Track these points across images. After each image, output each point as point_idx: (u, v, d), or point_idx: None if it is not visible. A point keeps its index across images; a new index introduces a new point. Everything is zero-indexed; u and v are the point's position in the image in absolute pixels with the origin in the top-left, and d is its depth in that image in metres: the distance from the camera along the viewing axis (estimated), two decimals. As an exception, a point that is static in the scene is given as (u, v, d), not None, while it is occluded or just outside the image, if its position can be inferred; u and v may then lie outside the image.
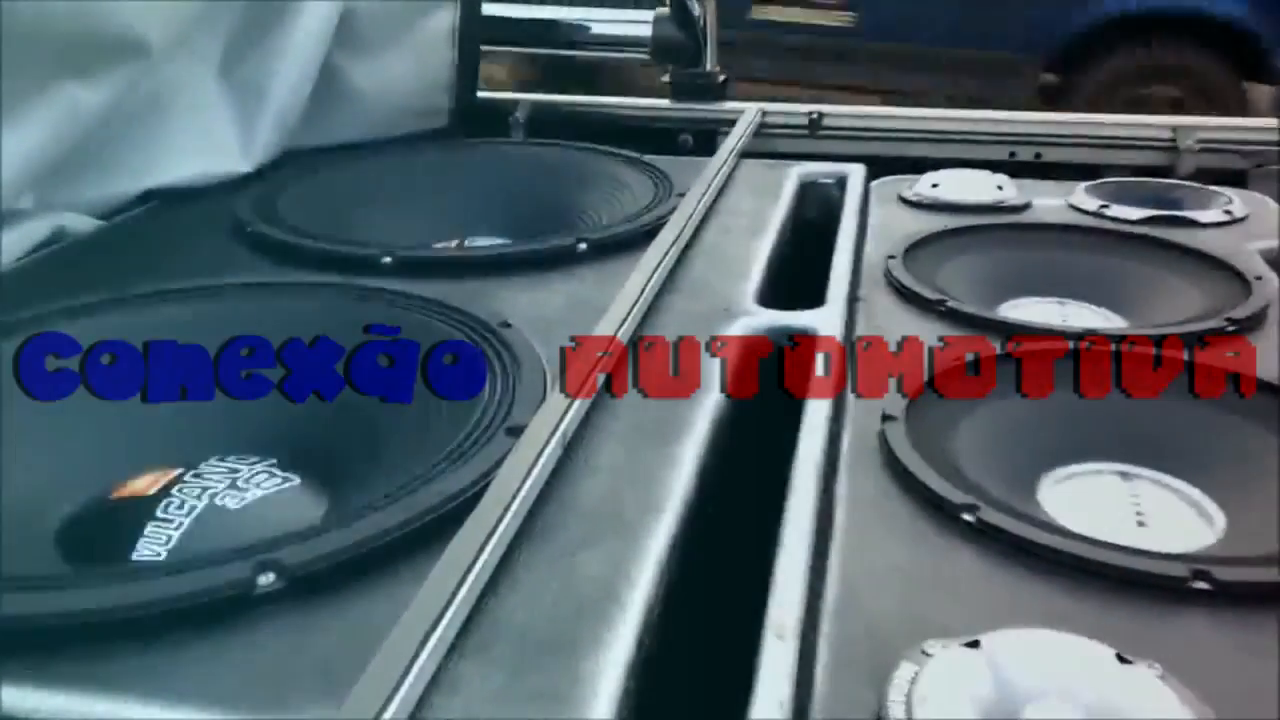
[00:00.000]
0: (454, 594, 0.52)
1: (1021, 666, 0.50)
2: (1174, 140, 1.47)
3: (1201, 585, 0.57)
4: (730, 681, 0.52)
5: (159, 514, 0.70)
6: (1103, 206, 1.16)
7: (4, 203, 0.99)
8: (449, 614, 0.51)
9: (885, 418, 0.72)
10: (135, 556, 0.67)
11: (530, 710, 0.48)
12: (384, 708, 0.46)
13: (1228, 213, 1.16)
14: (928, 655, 0.51)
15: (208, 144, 1.21)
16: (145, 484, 0.74)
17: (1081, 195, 1.20)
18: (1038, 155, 1.50)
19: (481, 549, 0.55)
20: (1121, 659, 0.50)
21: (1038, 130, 1.52)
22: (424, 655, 0.49)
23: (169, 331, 0.84)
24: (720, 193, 1.21)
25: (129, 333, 0.83)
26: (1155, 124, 1.50)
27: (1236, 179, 1.40)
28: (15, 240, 1.02)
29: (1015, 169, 1.29)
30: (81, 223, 1.10)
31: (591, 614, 0.54)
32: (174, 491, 0.72)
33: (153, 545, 0.68)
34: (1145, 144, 1.49)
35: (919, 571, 0.59)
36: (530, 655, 0.51)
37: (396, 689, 0.47)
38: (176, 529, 0.69)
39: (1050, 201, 1.19)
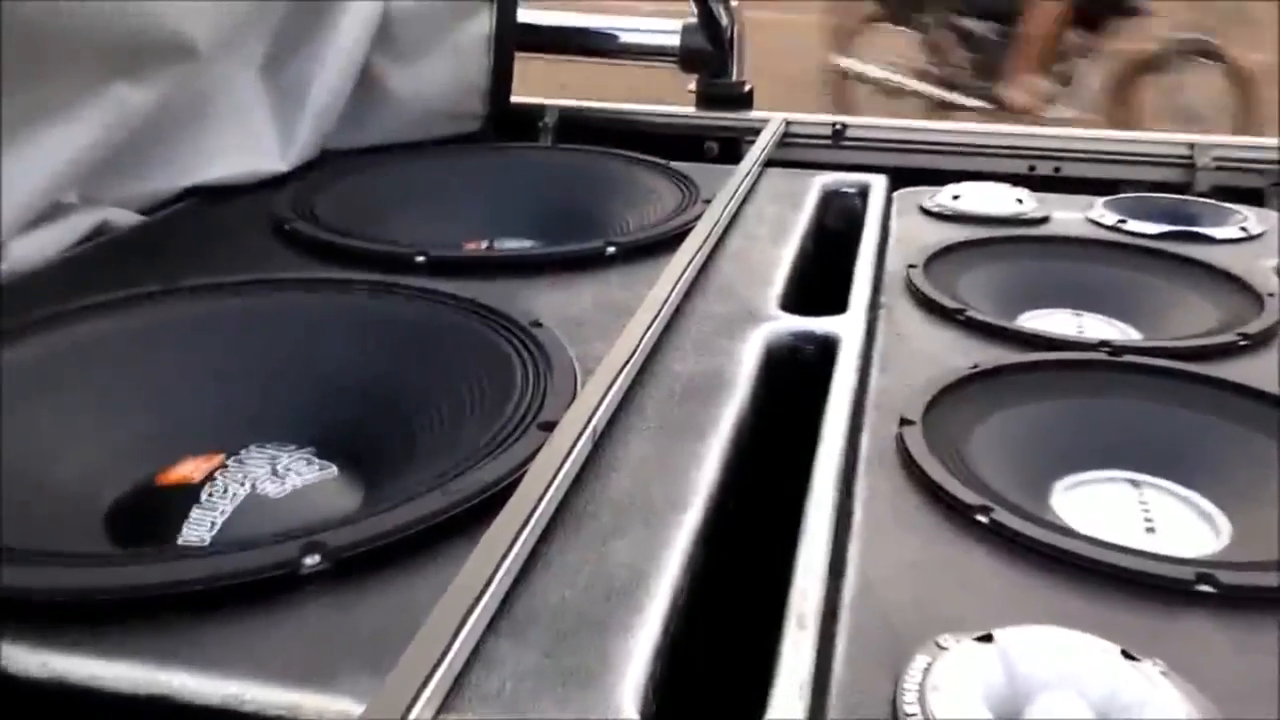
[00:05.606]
0: (491, 577, 0.55)
1: (1031, 660, 0.52)
2: (1191, 157, 1.48)
3: (1206, 588, 0.59)
4: (752, 668, 0.54)
5: (203, 499, 0.73)
6: (1120, 221, 1.18)
7: (50, 197, 1.02)
8: (487, 596, 0.54)
9: (903, 421, 0.74)
10: (180, 540, 0.69)
11: (562, 687, 0.51)
12: (425, 682, 0.48)
13: (1243, 229, 1.17)
14: (942, 648, 0.53)
15: (248, 144, 1.24)
16: (189, 470, 0.76)
17: (1100, 210, 1.22)
18: (1057, 169, 1.52)
19: (517, 535, 0.58)
20: (1127, 655, 0.52)
21: (1057, 145, 1.53)
22: (463, 634, 0.51)
23: (212, 322, 0.86)
24: (745, 200, 1.23)
25: (173, 323, 0.86)
26: (1173, 140, 1.51)
27: (1253, 197, 1.41)
28: (60, 233, 1.05)
29: (1035, 182, 1.30)
30: (124, 217, 1.13)
31: (621, 599, 0.57)
32: (217, 478, 0.75)
33: (197, 530, 0.70)
34: (1163, 160, 1.50)
35: (934, 569, 0.61)
36: (563, 636, 0.54)
37: (438, 664, 0.49)
38: (220, 514, 0.71)
39: (1069, 215, 1.21)
